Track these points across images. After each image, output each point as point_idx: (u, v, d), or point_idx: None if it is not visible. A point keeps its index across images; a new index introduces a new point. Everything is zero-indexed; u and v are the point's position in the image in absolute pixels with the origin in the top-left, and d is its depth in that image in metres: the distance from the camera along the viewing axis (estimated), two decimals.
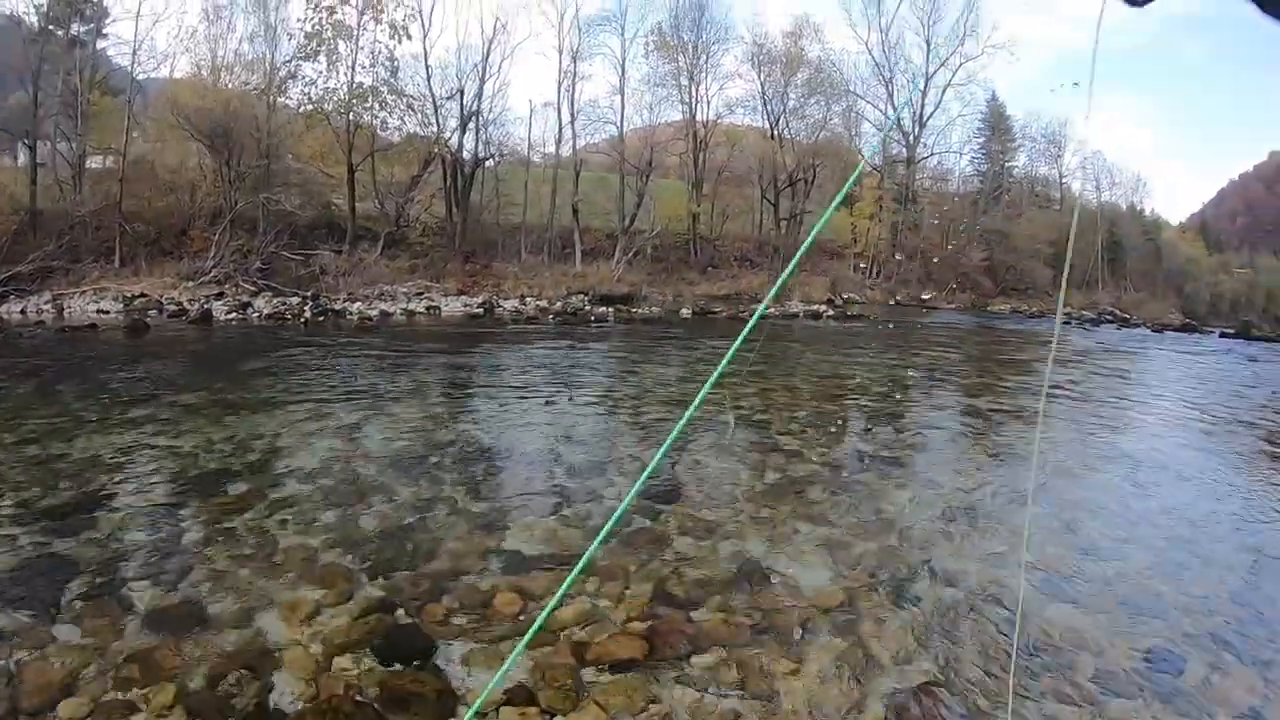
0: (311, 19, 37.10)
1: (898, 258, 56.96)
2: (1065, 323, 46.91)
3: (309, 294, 29.08)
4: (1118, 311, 59.65)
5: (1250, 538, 7.97)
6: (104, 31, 36.09)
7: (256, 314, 26.22)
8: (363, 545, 6.33)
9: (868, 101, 61.79)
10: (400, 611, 5.30)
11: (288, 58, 37.71)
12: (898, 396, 15.72)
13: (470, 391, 14.12)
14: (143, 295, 26.37)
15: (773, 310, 37.16)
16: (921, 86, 61.23)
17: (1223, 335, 43.75)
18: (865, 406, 14.38)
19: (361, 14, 37.92)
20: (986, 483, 9.37)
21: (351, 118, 37.16)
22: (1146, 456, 11.42)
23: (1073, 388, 17.85)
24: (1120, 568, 6.85)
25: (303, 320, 25.51)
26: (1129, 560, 7.05)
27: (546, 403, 12.84)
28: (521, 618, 5.29)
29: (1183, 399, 17.66)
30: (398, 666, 4.63)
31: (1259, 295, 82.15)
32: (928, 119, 62.31)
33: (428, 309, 30.34)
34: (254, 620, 5.05)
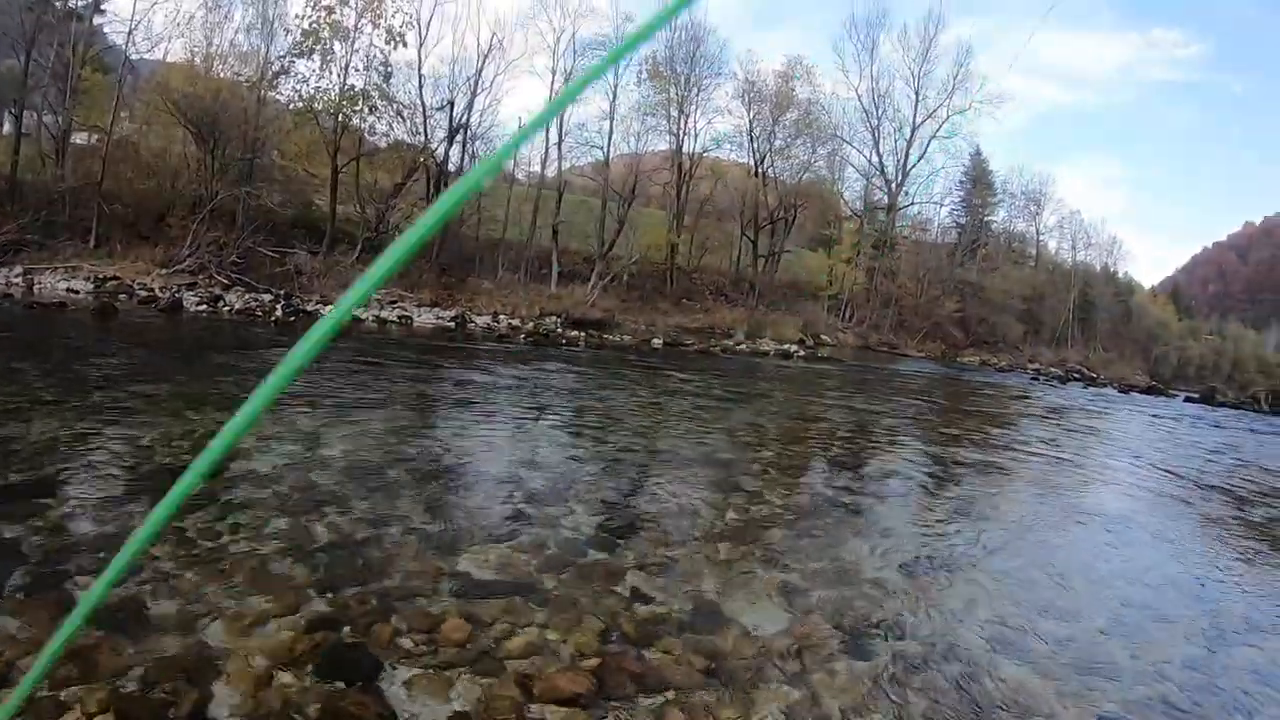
0: (310, 16, 37.24)
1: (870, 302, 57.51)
2: (1033, 379, 47.38)
3: (282, 292, 28.97)
4: (1085, 370, 60.37)
5: (1209, 604, 8.04)
6: (102, 7, 35.97)
7: (228, 308, 26.06)
8: (313, 557, 6.25)
9: (853, 146, 62.55)
10: (347, 629, 5.20)
11: (282, 53, 37.83)
12: (863, 442, 15.72)
13: (435, 406, 14.05)
14: (115, 278, 26.20)
15: (744, 347, 37.27)
16: (908, 136, 62.03)
17: (1188, 399, 44.49)
18: (830, 451, 14.36)
19: (360, 16, 38.07)
20: (946, 536, 9.41)
21: (340, 119, 37.14)
22: (1110, 517, 11.53)
23: (1039, 444, 17.99)
24: (1076, 628, 6.87)
25: (273, 318, 25.33)
26: (1086, 621, 7.08)
27: (511, 424, 12.80)
28: (469, 646, 5.21)
29: (1147, 461, 17.83)
30: (340, 685, 4.55)
31: (1225, 362, 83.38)
32: (911, 168, 63.17)
33: (400, 318, 30.16)
34: (197, 626, 4.96)
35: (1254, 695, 6.00)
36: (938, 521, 10.17)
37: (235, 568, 5.86)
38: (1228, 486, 15.37)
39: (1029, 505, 11.74)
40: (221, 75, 36.97)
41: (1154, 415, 31.27)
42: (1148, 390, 49.83)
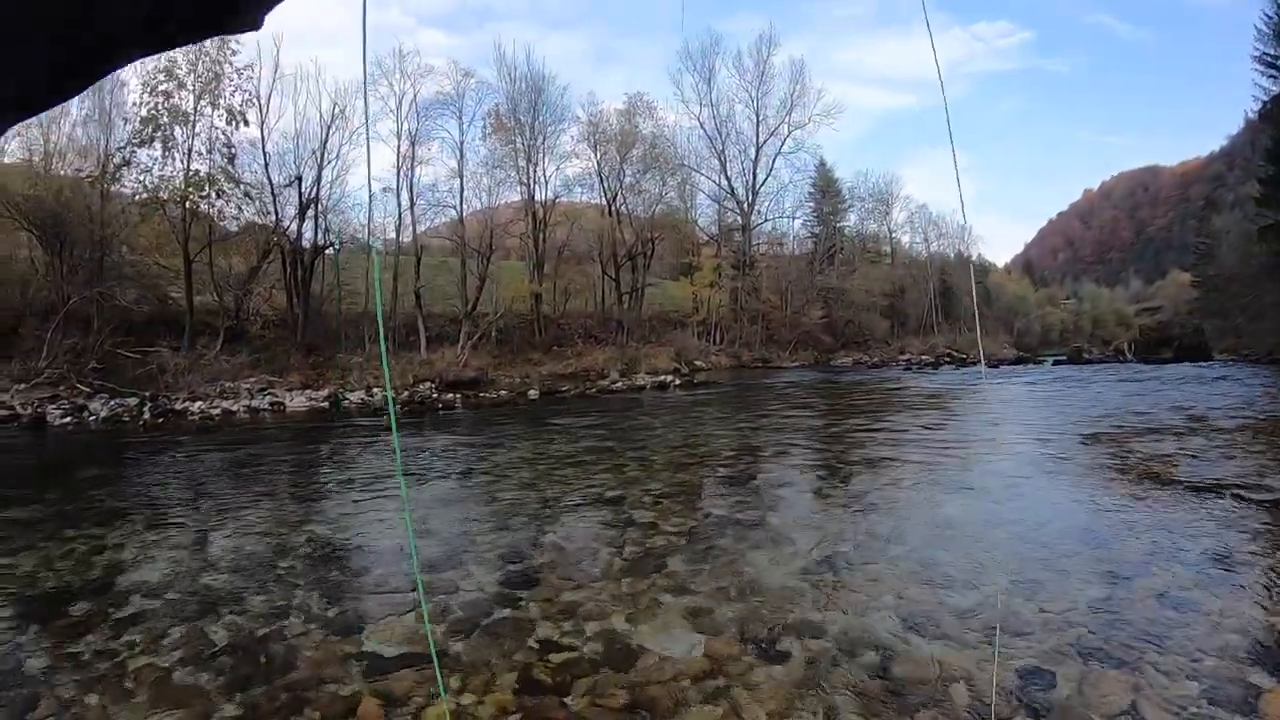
0: (147, 103, 36.40)
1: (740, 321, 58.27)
2: (906, 369, 48.50)
3: (147, 394, 28.19)
4: (954, 353, 62.54)
5: (1102, 547, 8.52)
6: None
7: (93, 417, 25.27)
8: (216, 660, 6.18)
9: (702, 174, 63.69)
10: None
11: (122, 143, 36.79)
12: (749, 458, 16.01)
13: (319, 489, 13.88)
14: None
15: (620, 384, 37.45)
16: (753, 156, 63.30)
17: (1056, 363, 46.38)
18: (718, 472, 14.61)
19: (198, 98, 37.39)
20: (843, 533, 9.69)
21: (188, 206, 36.45)
22: (996, 483, 12.12)
23: (919, 429, 18.61)
24: (980, 595, 7.18)
25: (142, 422, 24.64)
26: (988, 586, 7.40)
27: (398, 497, 12.75)
28: None
29: (1024, 425, 18.77)
30: None
31: (1085, 321, 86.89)
32: (760, 186, 64.51)
33: (272, 405, 29.49)
34: None
35: (1160, 621, 6.37)
36: (833, 521, 10.46)
37: (139, 684, 5.76)
38: (1103, 434, 16.28)
39: (918, 488, 12.15)
40: (62, 172, 36.04)
41: (1026, 383, 32.53)
42: (1016, 361, 51.98)
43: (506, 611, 7.31)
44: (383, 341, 3.55)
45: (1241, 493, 10.52)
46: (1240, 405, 20.69)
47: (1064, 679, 5.49)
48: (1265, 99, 48.83)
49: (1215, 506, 10.01)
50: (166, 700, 5.54)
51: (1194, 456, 13.37)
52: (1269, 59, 48.19)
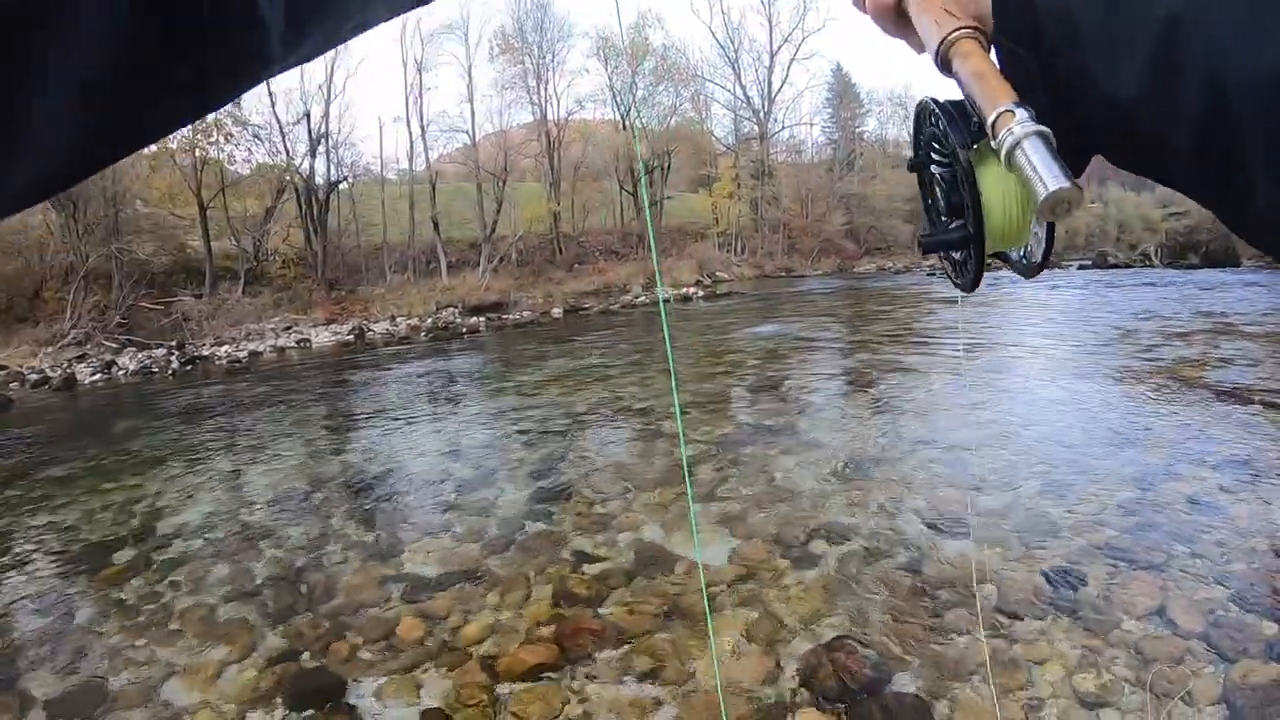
0: None
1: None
2: (930, 274, 48.16)
3: (174, 343, 28.27)
4: None
5: (1131, 451, 8.53)
6: None
7: (122, 371, 25.39)
8: (259, 594, 6.29)
9: (716, 84, 62.76)
10: (305, 655, 5.29)
11: None
12: (775, 366, 15.97)
13: (350, 421, 13.96)
14: (2, 368, 25.46)
15: (642, 298, 37.37)
16: (768, 64, 62.37)
17: (1080, 268, 45.52)
18: (745, 380, 14.61)
19: None
20: (870, 437, 9.75)
21: (197, 154, 36.23)
22: (1022, 387, 12.08)
23: (944, 334, 18.58)
24: (1010, 497, 7.23)
25: (170, 371, 24.74)
26: (1018, 490, 7.44)
27: (427, 422, 12.81)
28: (428, 642, 5.33)
29: (1049, 330, 18.58)
30: (311, 712, 4.63)
31: (1111, 226, 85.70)
32: (776, 94, 63.52)
33: (298, 343, 29.63)
34: (159, 691, 5.00)
35: (1189, 525, 6.38)
36: (860, 425, 10.48)
37: (185, 624, 5.88)
38: (1129, 339, 16.08)
39: (944, 393, 12.12)
40: None
41: (1051, 287, 32.08)
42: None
43: (540, 526, 7.40)
44: (652, 240, 3.51)
45: (1268, 398, 10.40)
46: (1268, 312, 20.35)
47: (1093, 579, 5.51)
48: None
49: (1243, 412, 9.94)
50: (212, 637, 5.65)
51: (1222, 362, 13.20)
52: None
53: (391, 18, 0.64)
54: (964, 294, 0.99)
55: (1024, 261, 0.92)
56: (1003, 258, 1.01)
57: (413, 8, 0.66)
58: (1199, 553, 5.84)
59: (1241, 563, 5.66)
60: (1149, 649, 4.68)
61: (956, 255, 0.99)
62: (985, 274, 0.92)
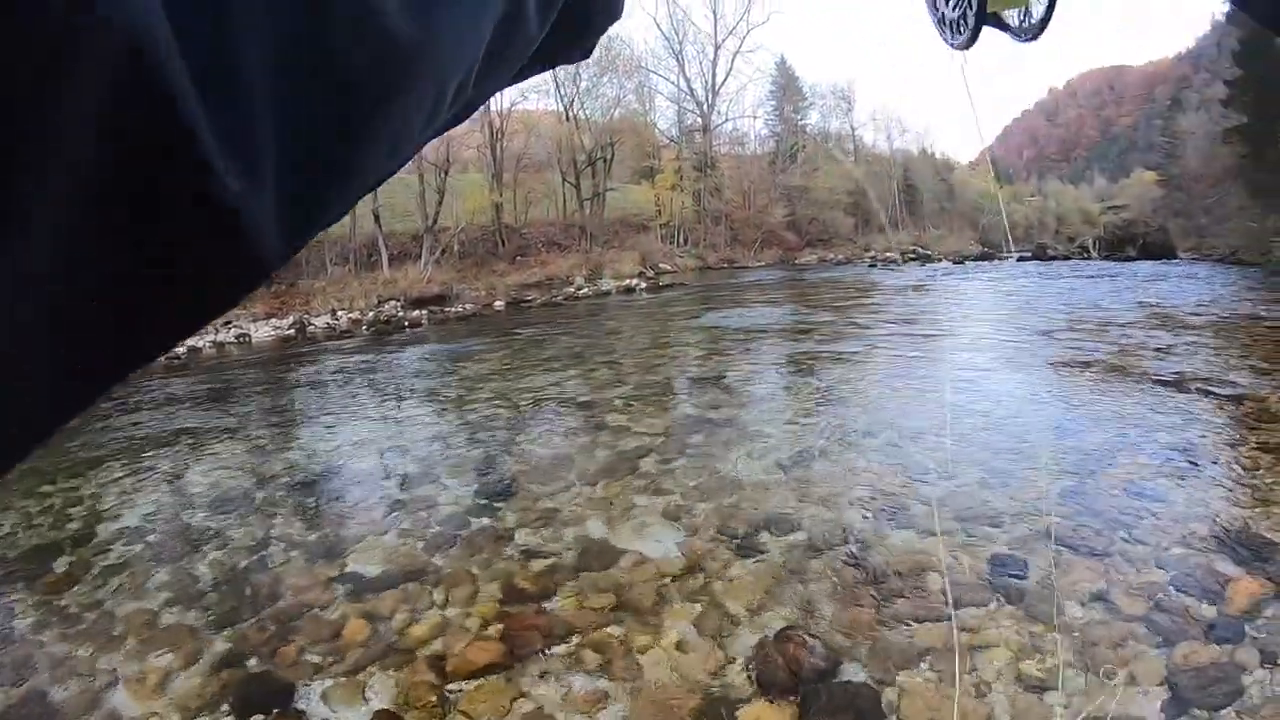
0: None
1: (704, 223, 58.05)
2: (871, 265, 48.62)
3: None
4: (919, 249, 62.08)
5: (1068, 439, 8.73)
6: None
7: None
8: (203, 598, 6.22)
9: (660, 75, 62.85)
10: (252, 661, 5.23)
11: None
12: (718, 358, 16.13)
13: (292, 419, 13.83)
14: None
15: (585, 290, 37.39)
16: (712, 56, 62.54)
17: (1020, 259, 46.33)
18: (688, 371, 14.75)
19: None
20: (815, 427, 9.87)
21: None
22: (964, 377, 12.29)
23: (887, 325, 18.80)
24: (952, 485, 7.36)
25: None
26: (959, 478, 7.56)
27: (370, 419, 12.74)
28: (374, 643, 5.32)
29: (989, 320, 18.96)
30: (259, 717, 4.60)
31: (1050, 219, 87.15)
32: (720, 86, 63.81)
33: (238, 338, 29.16)
34: (105, 701, 4.93)
35: (1128, 511, 6.54)
36: (804, 415, 10.61)
37: (127, 630, 5.79)
38: (1069, 329, 16.44)
39: (887, 382, 12.31)
40: None
41: (991, 279, 32.66)
42: (981, 257, 52.01)
43: (484, 521, 7.41)
44: None
45: (1206, 387, 10.68)
46: (1205, 303, 20.77)
47: (1035, 566, 5.62)
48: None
49: (1180, 400, 10.18)
50: (156, 643, 5.57)
51: (1160, 352, 13.51)
52: None
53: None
54: (961, 51, 0.97)
55: (1025, 23, 0.91)
56: (1001, 26, 1.01)
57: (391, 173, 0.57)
58: (1139, 538, 5.98)
59: (1180, 547, 5.81)
60: (1092, 633, 4.79)
61: (951, 11, 0.98)
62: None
